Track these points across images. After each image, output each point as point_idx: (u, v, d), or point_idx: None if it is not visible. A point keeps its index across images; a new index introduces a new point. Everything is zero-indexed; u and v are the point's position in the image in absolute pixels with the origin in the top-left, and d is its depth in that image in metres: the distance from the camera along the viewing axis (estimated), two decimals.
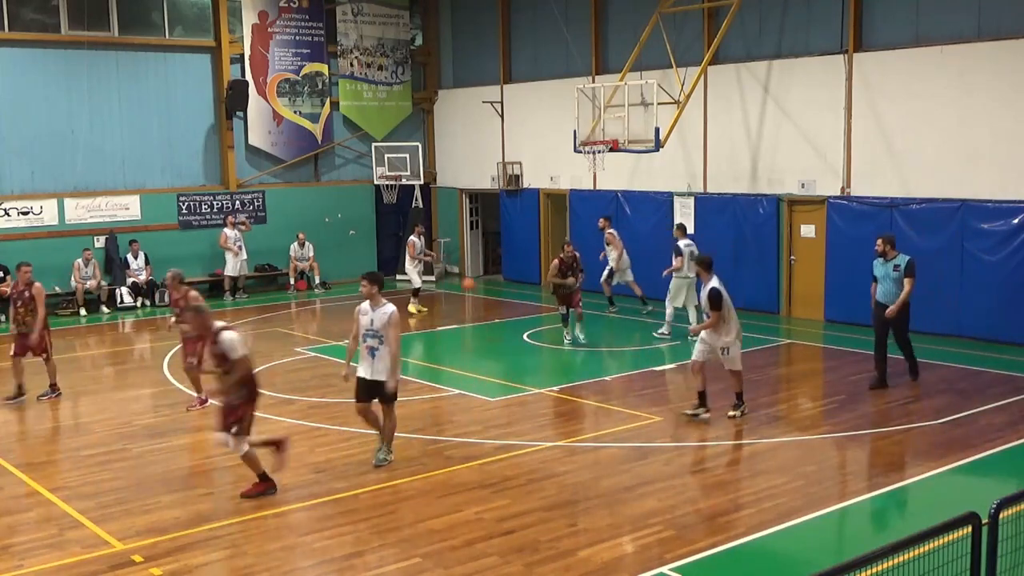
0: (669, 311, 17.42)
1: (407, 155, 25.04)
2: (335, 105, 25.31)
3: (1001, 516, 5.41)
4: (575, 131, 19.16)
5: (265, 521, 9.02)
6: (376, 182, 25.42)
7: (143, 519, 9.13)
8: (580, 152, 19.14)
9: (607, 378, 14.31)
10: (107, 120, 22.14)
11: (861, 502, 9.36)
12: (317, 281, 24.13)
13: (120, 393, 14.53)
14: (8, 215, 21.08)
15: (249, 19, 23.74)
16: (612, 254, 19.47)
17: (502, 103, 24.78)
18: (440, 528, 8.78)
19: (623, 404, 12.95)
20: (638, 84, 18.45)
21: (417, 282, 20.71)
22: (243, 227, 23.16)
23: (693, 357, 12.24)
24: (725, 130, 20.02)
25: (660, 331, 17.44)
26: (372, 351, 10.21)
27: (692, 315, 17.12)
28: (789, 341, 17.42)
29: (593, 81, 21.23)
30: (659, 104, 18.16)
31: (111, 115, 22.18)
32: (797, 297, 19.25)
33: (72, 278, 21.27)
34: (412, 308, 20.44)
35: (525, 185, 24.23)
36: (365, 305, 10.32)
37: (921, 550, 5.08)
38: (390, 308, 10.25)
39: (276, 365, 15.77)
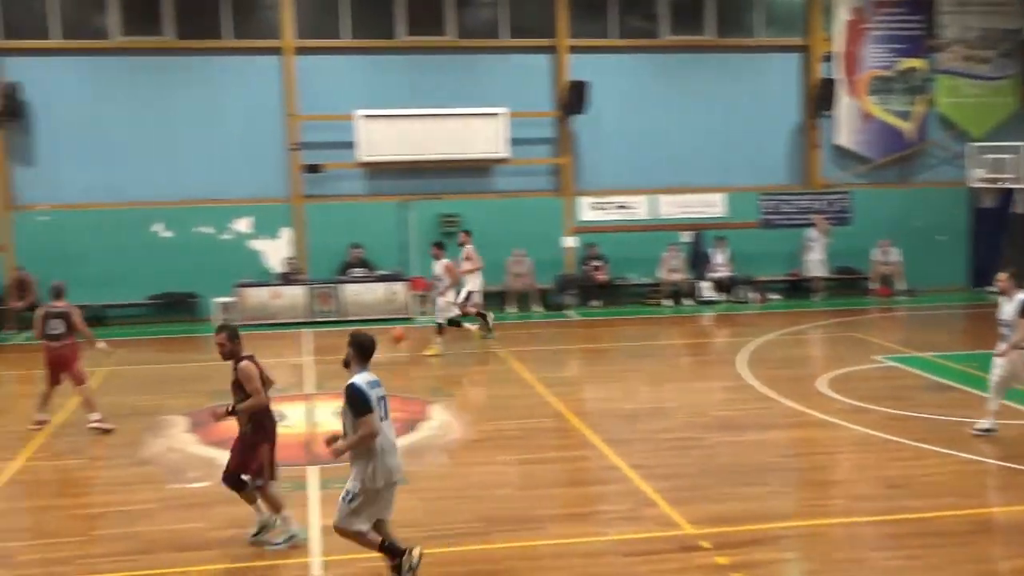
0: None
1: (1010, 156, 22.77)
2: (930, 102, 23.87)
3: None
4: None
5: (831, 529, 8.76)
6: (971, 185, 23.51)
7: (714, 507, 9.35)
8: None
9: None
10: (696, 122, 23.00)
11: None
12: (901, 287, 22.95)
13: (698, 384, 15.22)
14: (604, 209, 22.98)
15: (842, 16, 23.29)
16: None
17: None
18: None
19: None
20: None
21: None
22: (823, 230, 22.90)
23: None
24: None
25: None
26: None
27: None
28: None
29: None
30: None
31: (698, 118, 23.00)
32: None
33: (660, 270, 22.52)
34: None
35: None
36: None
37: None
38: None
39: (850, 372, 15.26)
